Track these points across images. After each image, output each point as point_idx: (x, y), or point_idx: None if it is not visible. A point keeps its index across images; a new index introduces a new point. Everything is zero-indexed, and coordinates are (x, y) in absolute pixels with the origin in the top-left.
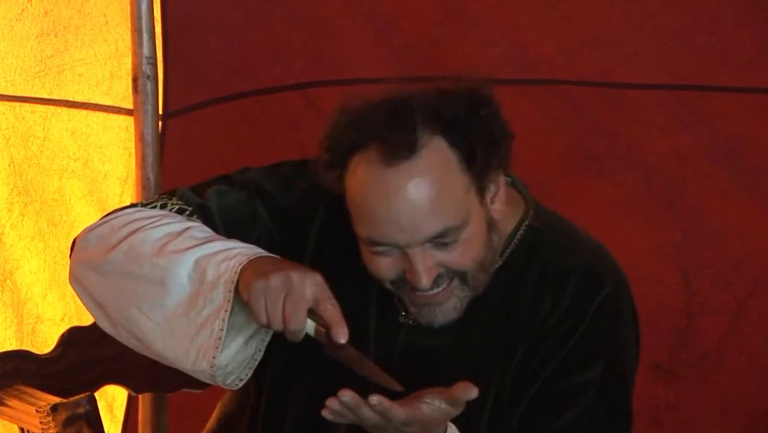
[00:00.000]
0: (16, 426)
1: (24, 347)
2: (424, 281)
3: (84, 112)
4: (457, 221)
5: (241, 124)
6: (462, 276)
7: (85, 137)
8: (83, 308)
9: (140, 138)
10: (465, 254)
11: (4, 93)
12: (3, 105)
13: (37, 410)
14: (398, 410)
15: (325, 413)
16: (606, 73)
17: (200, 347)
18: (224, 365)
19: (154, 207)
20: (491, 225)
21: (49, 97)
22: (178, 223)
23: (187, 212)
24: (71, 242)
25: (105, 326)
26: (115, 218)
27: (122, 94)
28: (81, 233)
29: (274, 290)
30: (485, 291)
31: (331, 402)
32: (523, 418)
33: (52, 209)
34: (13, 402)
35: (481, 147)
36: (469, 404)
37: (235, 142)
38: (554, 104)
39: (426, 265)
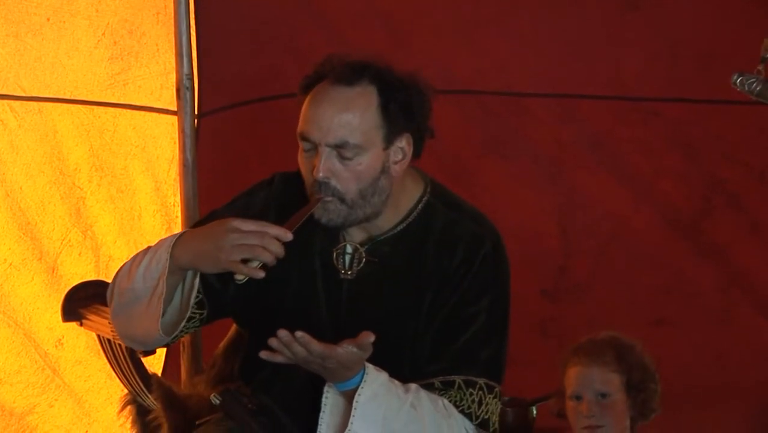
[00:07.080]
0: (94, 333)
1: (100, 278)
2: (321, 174)
3: (142, 112)
4: (356, 142)
5: (252, 122)
6: (342, 198)
7: (143, 130)
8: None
9: (182, 131)
10: (352, 179)
11: (86, 99)
12: (85, 108)
13: (108, 322)
14: (316, 345)
15: (262, 354)
16: (509, 86)
17: (152, 324)
18: (169, 323)
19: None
20: (385, 171)
21: (117, 102)
22: (142, 253)
23: None
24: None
25: (133, 345)
26: (115, 276)
27: (169, 100)
28: (107, 292)
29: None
30: (398, 252)
31: (271, 341)
32: (435, 339)
33: (120, 181)
34: (92, 317)
35: (397, 106)
36: (398, 334)
37: (248, 134)
38: (473, 108)
39: (325, 164)
